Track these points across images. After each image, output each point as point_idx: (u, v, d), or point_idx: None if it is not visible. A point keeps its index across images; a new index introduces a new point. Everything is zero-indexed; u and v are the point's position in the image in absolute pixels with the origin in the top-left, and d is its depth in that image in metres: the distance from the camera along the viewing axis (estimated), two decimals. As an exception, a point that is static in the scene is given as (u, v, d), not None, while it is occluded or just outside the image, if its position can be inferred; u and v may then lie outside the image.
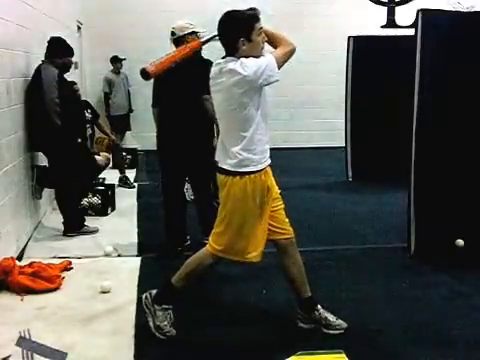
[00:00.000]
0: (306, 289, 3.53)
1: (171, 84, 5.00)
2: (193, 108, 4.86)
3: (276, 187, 3.46)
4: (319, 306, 3.53)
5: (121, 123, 9.71)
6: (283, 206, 3.48)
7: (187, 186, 5.73)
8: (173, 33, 5.06)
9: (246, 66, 3.13)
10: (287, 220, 3.49)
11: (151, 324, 3.43)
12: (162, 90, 5.10)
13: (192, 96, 4.83)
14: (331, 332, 3.47)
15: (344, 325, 3.49)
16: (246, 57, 3.18)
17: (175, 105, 4.96)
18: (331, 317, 3.50)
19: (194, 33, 5.03)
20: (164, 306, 3.43)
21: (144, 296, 3.51)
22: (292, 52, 3.28)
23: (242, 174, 3.26)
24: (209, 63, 5.08)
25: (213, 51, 5.40)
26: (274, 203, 3.41)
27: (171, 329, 3.41)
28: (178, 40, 5.04)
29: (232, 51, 3.23)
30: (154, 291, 3.50)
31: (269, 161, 3.36)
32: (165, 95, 5.08)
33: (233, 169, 3.27)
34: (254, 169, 3.26)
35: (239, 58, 3.18)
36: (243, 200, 3.26)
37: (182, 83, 4.89)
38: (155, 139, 5.27)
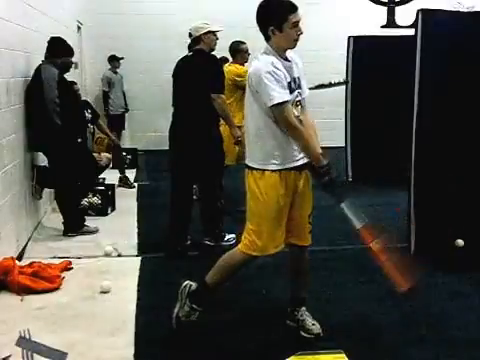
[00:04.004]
0: (301, 291, 3.53)
1: (183, 83, 5.02)
2: (202, 107, 4.86)
3: (304, 192, 3.34)
4: (304, 308, 3.51)
5: (119, 122, 9.83)
6: (308, 212, 3.38)
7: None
8: (190, 34, 5.09)
9: (260, 61, 3.18)
10: (307, 228, 3.40)
11: (175, 310, 3.44)
12: (176, 89, 5.13)
13: (201, 95, 4.83)
14: (303, 334, 3.42)
15: (316, 331, 3.40)
16: (277, 47, 3.18)
17: (185, 104, 4.97)
18: (308, 320, 3.45)
19: (210, 32, 5.03)
20: (194, 306, 3.41)
21: (184, 284, 3.48)
22: (288, 127, 3.13)
23: (249, 168, 3.28)
24: (219, 62, 5.11)
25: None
26: (297, 206, 3.33)
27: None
28: (194, 40, 5.06)
29: (265, 38, 3.22)
30: (194, 285, 3.46)
31: (275, 167, 3.21)
32: (178, 94, 5.10)
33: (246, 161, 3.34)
34: (254, 166, 3.24)
35: (271, 47, 3.19)
36: (250, 192, 3.27)
37: (192, 82, 4.90)
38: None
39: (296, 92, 3.24)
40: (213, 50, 5.13)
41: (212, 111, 4.90)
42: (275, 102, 3.09)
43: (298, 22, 3.17)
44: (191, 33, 5.08)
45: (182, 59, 5.18)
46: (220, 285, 3.46)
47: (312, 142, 3.21)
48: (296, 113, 3.24)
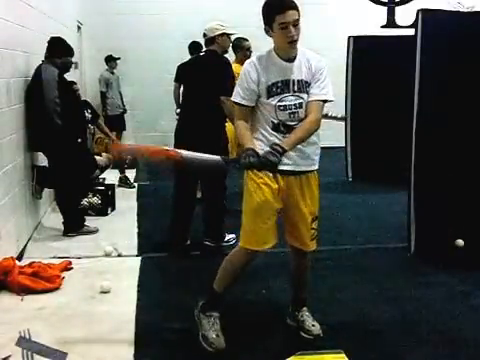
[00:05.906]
0: (302, 291, 3.54)
1: (194, 83, 5.01)
2: (213, 108, 4.85)
3: (299, 197, 3.28)
4: (305, 308, 3.51)
5: (118, 123, 9.81)
6: (307, 218, 3.31)
7: None
8: (204, 34, 5.08)
9: (250, 60, 3.25)
10: (310, 233, 3.35)
11: (200, 334, 3.31)
12: (186, 89, 5.11)
13: (212, 96, 4.82)
14: (302, 335, 3.42)
15: (316, 332, 3.39)
16: (276, 46, 3.15)
17: (196, 104, 4.96)
18: (308, 321, 3.44)
19: (225, 34, 5.02)
20: (207, 313, 3.33)
21: (195, 313, 3.39)
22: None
23: None
24: (230, 64, 5.11)
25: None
26: (292, 209, 3.29)
27: (218, 340, 3.23)
28: (208, 41, 5.05)
29: None
30: (201, 301, 3.40)
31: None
32: (188, 94, 5.09)
33: None
34: None
35: (273, 46, 3.17)
36: (244, 188, 3.28)
37: (204, 83, 4.89)
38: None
39: (281, 96, 3.13)
40: (226, 52, 5.13)
41: (221, 112, 4.89)
42: (232, 99, 3.25)
43: (287, 23, 2.98)
44: (205, 33, 5.07)
45: (193, 59, 5.17)
46: (229, 288, 3.38)
47: (245, 137, 3.19)
48: (280, 118, 3.16)
